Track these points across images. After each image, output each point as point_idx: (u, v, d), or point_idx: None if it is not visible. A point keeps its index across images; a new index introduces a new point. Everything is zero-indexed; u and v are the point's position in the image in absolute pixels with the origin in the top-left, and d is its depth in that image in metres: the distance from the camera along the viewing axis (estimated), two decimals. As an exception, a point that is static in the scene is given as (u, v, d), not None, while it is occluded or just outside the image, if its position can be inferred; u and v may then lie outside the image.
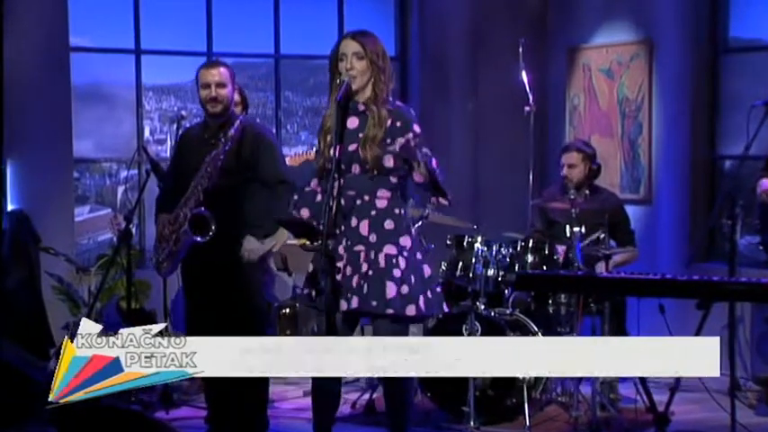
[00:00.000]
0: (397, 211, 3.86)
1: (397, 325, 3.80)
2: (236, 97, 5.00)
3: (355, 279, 3.78)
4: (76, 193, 7.03)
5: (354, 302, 3.75)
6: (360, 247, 3.80)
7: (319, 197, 3.91)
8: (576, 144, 6.05)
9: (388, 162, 3.83)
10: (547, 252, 5.55)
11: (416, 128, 3.89)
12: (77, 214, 6.96)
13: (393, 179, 3.87)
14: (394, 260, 3.80)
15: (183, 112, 5.28)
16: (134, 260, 5.68)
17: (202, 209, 4.49)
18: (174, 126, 5.13)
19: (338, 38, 3.99)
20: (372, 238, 3.80)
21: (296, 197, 4.00)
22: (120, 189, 7.23)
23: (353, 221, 3.81)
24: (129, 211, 5.28)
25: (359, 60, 3.84)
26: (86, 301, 6.24)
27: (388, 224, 3.83)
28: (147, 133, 7.28)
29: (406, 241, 3.85)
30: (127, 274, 5.27)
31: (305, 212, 3.93)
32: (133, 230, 5.48)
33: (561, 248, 5.55)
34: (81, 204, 7.15)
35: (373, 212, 3.82)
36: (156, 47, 7.11)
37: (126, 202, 6.98)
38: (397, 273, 3.79)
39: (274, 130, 7.41)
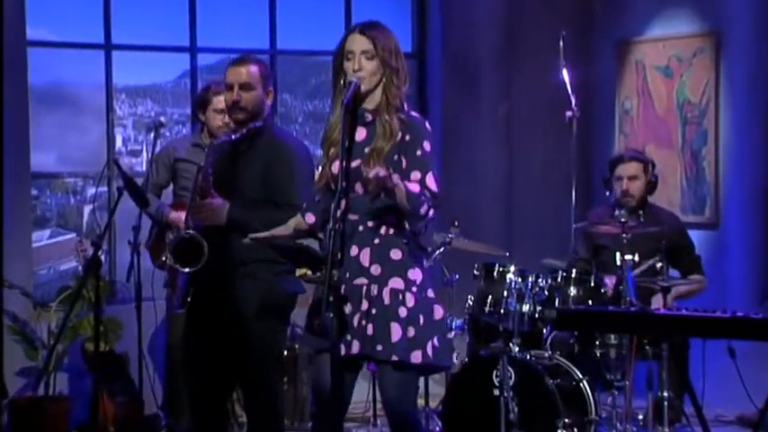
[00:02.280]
0: (405, 239, 3.89)
1: (403, 374, 3.82)
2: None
3: (356, 318, 3.80)
4: (35, 213, 7.07)
5: (355, 347, 3.77)
6: (361, 281, 3.82)
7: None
8: (634, 152, 6.08)
9: (408, 185, 3.84)
10: (593, 284, 5.57)
11: (427, 145, 3.87)
12: (36, 239, 7.00)
13: None
14: (400, 296, 3.82)
15: (162, 119, 5.34)
16: (103, 294, 5.71)
17: (188, 231, 4.50)
18: (152, 134, 5.16)
19: (344, 31, 4.01)
20: (375, 269, 3.83)
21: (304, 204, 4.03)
22: (87, 209, 7.28)
23: (353, 250, 3.83)
24: (97, 235, 5.32)
25: (368, 60, 3.86)
26: (46, 343, 6.28)
27: (395, 254, 3.85)
28: (118, 143, 7.33)
29: (415, 274, 3.86)
30: (94, 311, 5.30)
31: (310, 218, 3.98)
32: (102, 258, 5.52)
33: (610, 280, 5.57)
34: (40, 227, 7.19)
35: (377, 240, 3.84)
36: (129, 41, 7.18)
37: (94, 224, 7.02)
38: (403, 312, 3.81)
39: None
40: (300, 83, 7.91)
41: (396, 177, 3.68)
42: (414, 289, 3.83)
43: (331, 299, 3.64)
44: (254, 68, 4.60)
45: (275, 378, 4.75)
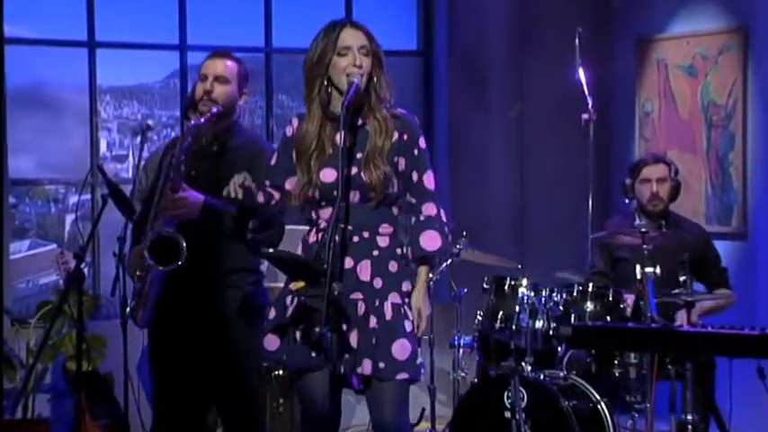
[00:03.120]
0: (399, 250, 3.92)
1: (403, 391, 3.87)
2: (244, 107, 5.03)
3: (354, 335, 3.82)
4: (13, 223, 7.09)
5: (367, 367, 3.80)
6: (357, 295, 3.85)
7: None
8: (660, 155, 6.08)
9: (393, 187, 3.88)
10: (611, 299, 5.57)
11: (422, 142, 3.97)
12: (13, 251, 7.01)
13: (395, 210, 3.93)
14: (402, 310, 3.86)
15: (150, 122, 5.32)
16: (86, 309, 5.72)
17: (167, 228, 4.52)
18: (139, 139, 5.17)
19: (329, 26, 3.96)
20: (377, 283, 3.86)
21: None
22: (69, 219, 7.29)
23: (348, 262, 3.86)
24: (80, 246, 5.33)
25: (365, 56, 3.89)
26: (24, 362, 6.29)
27: (392, 266, 3.89)
28: (103, 148, 7.35)
29: (407, 287, 3.92)
30: (77, 328, 5.31)
31: (254, 223, 4.00)
32: (85, 271, 5.53)
33: (630, 295, 5.57)
34: (18, 238, 7.20)
35: (375, 252, 3.88)
36: (114, 38, 7.20)
37: (76, 235, 7.03)
38: (408, 326, 3.85)
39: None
40: (298, 83, 7.83)
41: (426, 310, 3.90)
42: (407, 300, 3.90)
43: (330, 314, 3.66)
44: (231, 63, 4.70)
45: (257, 389, 4.80)
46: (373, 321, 3.82)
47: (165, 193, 4.53)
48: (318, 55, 3.90)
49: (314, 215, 3.94)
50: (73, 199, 7.28)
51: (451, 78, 7.65)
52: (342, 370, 3.81)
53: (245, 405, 4.65)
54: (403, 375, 3.81)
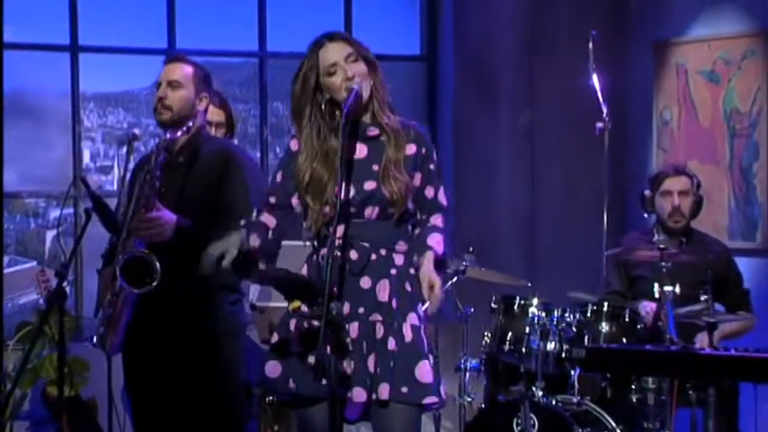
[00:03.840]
0: (412, 270, 3.94)
1: (418, 416, 3.86)
2: (216, 116, 5.06)
3: (371, 359, 3.83)
4: (-10, 239, 7.10)
5: (384, 391, 3.78)
6: (376, 317, 3.85)
7: (270, 234, 3.93)
8: (682, 166, 6.09)
9: (410, 202, 3.89)
10: (628, 319, 5.58)
11: (435, 156, 4.00)
12: (-9, 268, 7.03)
13: (409, 227, 3.94)
14: (420, 332, 3.88)
15: (137, 131, 5.31)
16: (68, 331, 5.72)
17: (139, 248, 4.53)
18: (125, 149, 5.18)
19: (352, 31, 4.01)
20: (395, 304, 3.87)
21: (243, 222, 3.99)
22: (50, 234, 7.29)
23: (365, 282, 3.86)
24: (61, 264, 5.32)
25: (355, 63, 3.88)
26: (2, 388, 6.28)
27: (408, 286, 3.91)
28: (86, 158, 7.36)
29: (420, 309, 3.94)
30: (58, 350, 5.31)
31: (254, 240, 3.97)
32: (67, 290, 5.53)
33: (649, 306, 5.58)
34: (-4, 255, 7.22)
35: (393, 271, 3.89)
36: (98, 42, 7.22)
37: (58, 251, 7.04)
38: (426, 348, 3.87)
39: (259, 155, 7.50)
40: (294, 90, 7.94)
41: (438, 280, 3.82)
42: (423, 324, 3.91)
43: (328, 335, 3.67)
44: (187, 68, 4.76)
45: (239, 414, 4.83)
46: (392, 344, 3.82)
47: (138, 211, 4.55)
48: (301, 83, 3.91)
49: (329, 230, 3.91)
50: (54, 213, 7.28)
51: (457, 84, 7.66)
52: (360, 398, 3.80)
53: (227, 430, 4.66)
54: (431, 399, 3.82)
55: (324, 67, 3.88)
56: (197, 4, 7.36)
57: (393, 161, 3.87)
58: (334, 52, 3.88)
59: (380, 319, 3.85)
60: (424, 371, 3.81)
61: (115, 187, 7.16)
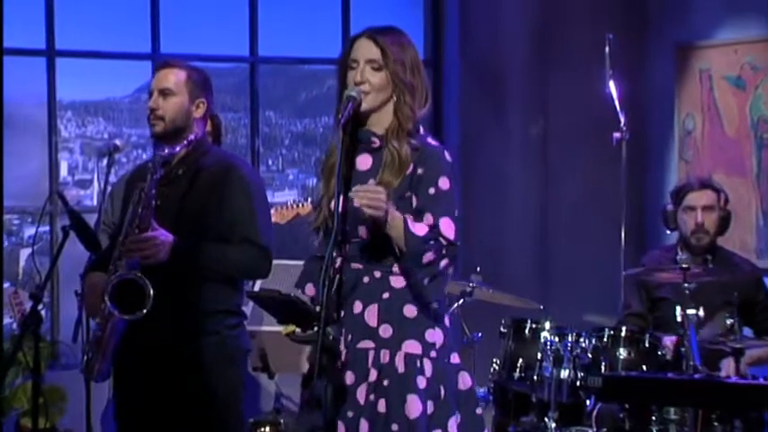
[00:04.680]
0: None
1: None
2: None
3: (361, 391, 3.82)
4: (-41, 258, 7.11)
5: (364, 428, 3.78)
6: (367, 344, 3.84)
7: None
8: (707, 179, 6.09)
9: (410, 225, 3.85)
10: (648, 345, 5.58)
11: (444, 182, 3.88)
12: (-40, 290, 7.04)
13: None
14: (418, 363, 3.83)
15: (118, 142, 5.34)
16: (44, 357, 5.72)
17: (131, 270, 4.53)
18: (105, 161, 5.19)
19: (350, 34, 4.02)
20: (385, 331, 3.84)
21: (303, 268, 4.02)
22: (25, 253, 7.30)
23: (357, 306, 3.86)
24: (36, 285, 5.33)
25: (375, 71, 3.87)
26: (-27, 418, 6.28)
27: (409, 311, 3.87)
28: (63, 171, 7.37)
29: (435, 336, 3.88)
30: (33, 378, 5.31)
31: (310, 289, 3.98)
32: (43, 314, 5.53)
33: (669, 339, 5.58)
34: (-34, 275, 7.22)
35: (386, 295, 3.86)
36: (76, 46, 7.24)
37: (32, 271, 7.03)
38: (422, 382, 3.82)
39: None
40: (287, 98, 7.94)
41: (391, 206, 3.69)
42: (433, 354, 3.85)
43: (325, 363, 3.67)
44: (179, 73, 4.74)
45: None
46: (373, 375, 3.80)
47: (132, 231, 4.56)
48: (340, 67, 3.95)
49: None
50: (29, 230, 7.28)
51: (464, 91, 7.68)
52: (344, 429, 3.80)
53: None
54: None
55: (350, 58, 3.91)
56: (183, 5, 7.37)
57: (384, 185, 3.81)
58: (361, 49, 3.90)
59: (372, 346, 3.84)
60: (413, 406, 3.77)
61: (95, 203, 7.17)
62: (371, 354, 3.83)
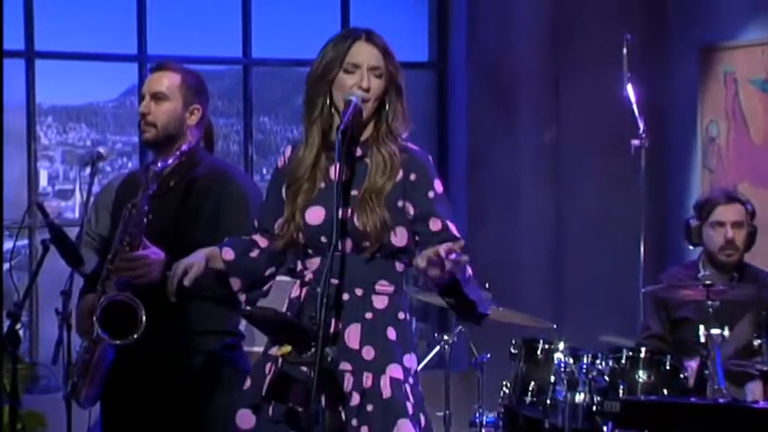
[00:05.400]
0: (402, 315, 3.92)
1: None
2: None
3: (345, 417, 3.83)
4: (-68, 274, 7.12)
5: None
6: (345, 366, 3.85)
7: (257, 253, 3.98)
8: (734, 192, 6.09)
9: (399, 238, 3.87)
10: (669, 367, 5.57)
11: (438, 185, 3.93)
12: (-67, 308, 7.04)
13: (400, 266, 3.92)
14: (403, 389, 3.85)
15: (102, 149, 5.34)
16: (22, 380, 5.72)
17: (122, 293, 4.54)
18: (88, 170, 5.20)
19: (341, 34, 4.01)
20: (368, 353, 3.85)
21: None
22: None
23: (336, 325, 3.86)
24: (14, 303, 5.33)
25: (377, 78, 3.89)
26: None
27: (391, 333, 3.88)
28: (43, 181, 7.37)
29: (411, 361, 3.91)
30: (11, 402, 5.31)
31: (227, 253, 4.00)
32: (21, 333, 5.54)
33: (692, 362, 5.58)
34: (-61, 292, 7.22)
35: (369, 315, 3.87)
36: (57, 47, 7.25)
37: (10, 289, 7.04)
38: (410, 408, 3.84)
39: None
40: (283, 102, 7.96)
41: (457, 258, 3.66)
42: (411, 380, 3.88)
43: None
44: (174, 77, 4.74)
45: None
46: (356, 399, 3.80)
47: (122, 250, 4.56)
48: (323, 68, 3.92)
49: (299, 265, 3.95)
50: (6, 244, 7.28)
51: (471, 95, 7.69)
52: None
53: None
54: None
55: (348, 62, 3.89)
56: (171, 3, 7.39)
57: (375, 190, 3.84)
58: (364, 53, 3.90)
59: (350, 368, 3.84)
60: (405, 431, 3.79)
61: (77, 215, 7.18)
62: (349, 377, 3.83)
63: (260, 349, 5.51)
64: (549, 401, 5.54)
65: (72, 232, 5.17)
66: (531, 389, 5.63)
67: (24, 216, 6.12)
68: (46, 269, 5.14)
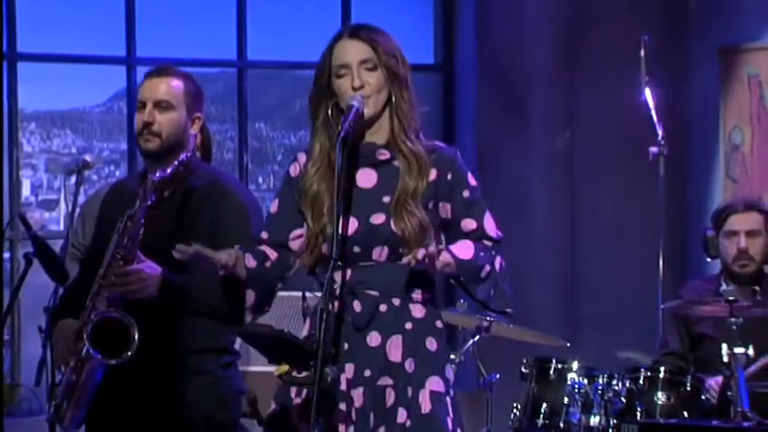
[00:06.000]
0: (438, 323, 3.95)
1: None
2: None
3: None
4: None
5: None
6: (386, 381, 3.86)
7: (270, 264, 3.99)
8: (753, 200, 6.08)
9: (431, 241, 3.88)
10: (689, 387, 5.57)
11: (472, 180, 3.98)
12: None
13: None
14: (444, 402, 3.87)
15: (88, 157, 5.33)
16: (5, 402, 5.70)
17: (113, 309, 4.54)
18: (74, 179, 5.20)
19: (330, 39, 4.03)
20: (410, 366, 3.87)
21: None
22: (-18, 283, 7.31)
23: (373, 339, 3.88)
24: (-5, 319, 5.34)
25: (370, 71, 3.90)
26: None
27: (431, 344, 3.91)
28: (26, 191, 7.38)
29: (450, 372, 3.95)
30: (-8, 425, 5.33)
31: (249, 260, 3.99)
32: (2, 352, 5.54)
33: (714, 381, 5.58)
34: None
35: (409, 325, 3.90)
36: (41, 49, 7.25)
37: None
38: (449, 424, 3.86)
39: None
40: (280, 107, 7.96)
41: (444, 253, 3.76)
42: (451, 392, 3.91)
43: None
44: (176, 83, 4.71)
45: None
46: (402, 415, 3.83)
47: (115, 264, 4.57)
48: (316, 77, 3.97)
49: (337, 278, 3.93)
50: (-13, 258, 7.30)
51: (480, 99, 7.69)
52: None
53: None
54: None
55: (335, 65, 3.92)
56: (161, 2, 7.39)
57: (410, 192, 3.87)
58: (348, 52, 3.92)
59: (391, 383, 3.85)
60: None
61: (62, 227, 7.18)
62: (390, 392, 3.85)
63: (257, 368, 5.53)
64: (562, 425, 5.54)
65: (56, 245, 5.16)
66: (543, 411, 5.64)
67: (6, 228, 6.12)
68: (28, 284, 5.13)
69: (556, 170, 7.70)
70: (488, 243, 3.94)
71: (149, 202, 4.54)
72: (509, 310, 4.10)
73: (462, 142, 7.72)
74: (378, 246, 3.87)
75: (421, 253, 3.70)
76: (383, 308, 3.89)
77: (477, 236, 3.93)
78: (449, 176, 3.93)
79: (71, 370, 4.61)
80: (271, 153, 7.83)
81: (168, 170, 4.60)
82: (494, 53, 7.68)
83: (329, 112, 3.94)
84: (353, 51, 3.92)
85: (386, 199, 3.89)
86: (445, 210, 3.93)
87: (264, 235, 4.05)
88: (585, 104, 7.64)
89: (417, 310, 3.90)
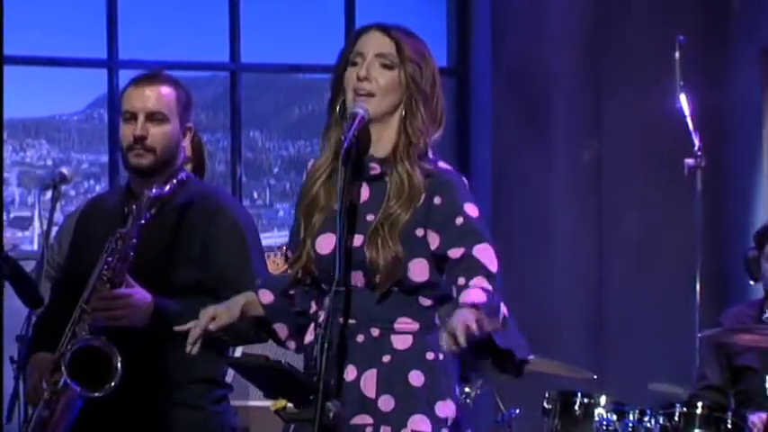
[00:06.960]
0: (430, 355, 3.91)
1: None
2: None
3: None
4: None
5: None
6: (363, 419, 3.84)
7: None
8: None
9: (417, 273, 3.85)
10: (730, 425, 5.56)
11: (471, 209, 3.85)
12: None
13: (426, 300, 3.90)
14: None
15: (65, 170, 5.34)
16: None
17: (95, 337, 4.54)
18: (49, 194, 5.21)
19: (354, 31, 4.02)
20: (385, 403, 3.84)
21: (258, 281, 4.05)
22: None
23: (350, 372, 3.85)
24: (-35, 348, 5.35)
25: (385, 69, 3.87)
26: None
27: (416, 378, 3.87)
28: (-4, 207, 7.40)
29: (446, 409, 3.87)
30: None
31: (266, 296, 3.97)
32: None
33: (758, 418, 5.58)
34: None
35: (386, 357, 3.86)
36: (15, 51, 7.26)
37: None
38: None
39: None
40: (275, 114, 7.98)
41: (486, 321, 3.61)
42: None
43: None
44: (167, 91, 4.70)
45: None
46: None
47: (100, 286, 4.57)
48: (336, 64, 3.93)
49: (312, 306, 3.93)
50: (-45, 280, 7.32)
51: (497, 106, 7.70)
52: None
53: None
54: None
55: (352, 53, 3.90)
56: (146, 3, 7.41)
57: (390, 220, 3.82)
58: (368, 41, 3.90)
59: (370, 421, 3.83)
60: None
61: (36, 247, 7.19)
62: (369, 430, 3.82)
63: (256, 403, 5.55)
64: (589, 465, 5.54)
65: (30, 267, 5.17)
66: (568, 449, 5.64)
67: (-26, 248, 6.13)
68: (5, 306, 5.16)
69: (581, 185, 7.70)
70: (484, 278, 3.77)
71: (143, 221, 4.54)
72: (531, 357, 4.04)
73: (477, 153, 7.73)
74: (354, 270, 3.84)
75: (461, 334, 3.56)
76: (360, 338, 3.85)
77: (467, 266, 3.79)
78: (436, 200, 3.83)
79: (44, 404, 4.61)
80: (266, 165, 7.85)
81: (167, 188, 4.59)
82: (512, 56, 7.69)
83: (337, 109, 3.92)
84: (374, 42, 3.89)
85: (369, 217, 3.85)
86: (434, 240, 3.83)
87: (288, 252, 4.02)
88: (614, 112, 7.64)
89: (401, 342, 3.85)
